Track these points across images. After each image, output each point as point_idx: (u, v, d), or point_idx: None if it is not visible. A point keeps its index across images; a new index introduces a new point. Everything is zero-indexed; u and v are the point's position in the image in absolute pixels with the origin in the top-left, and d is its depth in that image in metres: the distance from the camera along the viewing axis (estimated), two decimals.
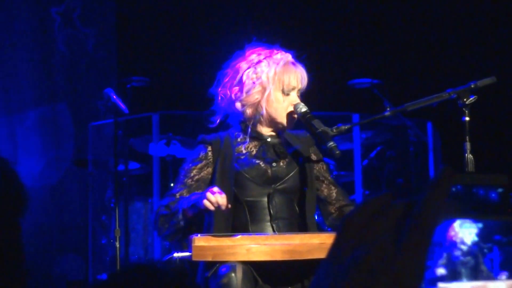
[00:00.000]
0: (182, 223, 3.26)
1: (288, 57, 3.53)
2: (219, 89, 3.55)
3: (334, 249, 0.83)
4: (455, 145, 4.12)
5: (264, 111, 3.46)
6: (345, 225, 0.83)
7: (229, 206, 3.18)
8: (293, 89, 3.48)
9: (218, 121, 3.58)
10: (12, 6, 7.18)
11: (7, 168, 1.06)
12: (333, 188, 3.60)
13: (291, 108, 3.47)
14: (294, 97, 3.48)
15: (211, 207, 3.09)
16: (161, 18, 7.58)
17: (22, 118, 7.10)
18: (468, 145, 3.50)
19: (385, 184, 6.77)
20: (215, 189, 3.13)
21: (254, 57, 3.51)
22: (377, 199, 0.84)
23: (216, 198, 3.08)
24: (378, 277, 0.79)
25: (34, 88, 7.19)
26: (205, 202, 3.09)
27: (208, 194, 3.09)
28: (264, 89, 3.46)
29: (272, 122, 3.51)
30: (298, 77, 3.50)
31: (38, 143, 7.08)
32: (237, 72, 3.51)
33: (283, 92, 3.47)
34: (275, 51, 3.53)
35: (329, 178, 3.62)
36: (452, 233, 0.93)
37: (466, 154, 3.49)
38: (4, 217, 1.02)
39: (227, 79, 3.54)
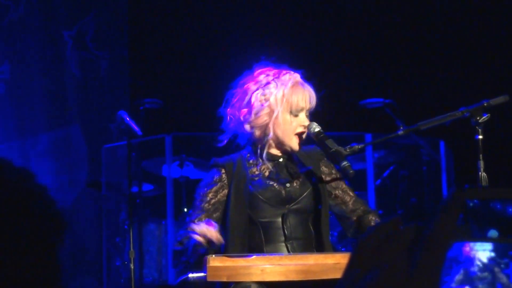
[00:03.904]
0: (191, 260, 3.32)
1: (297, 77, 3.51)
2: (228, 109, 3.55)
3: (348, 271, 0.84)
4: (468, 164, 4.11)
5: (272, 133, 3.46)
6: (358, 248, 0.84)
7: (221, 240, 3.21)
8: (302, 110, 3.47)
9: (226, 141, 3.58)
10: (24, 29, 7.21)
11: (44, 194, 1.08)
12: (347, 199, 3.58)
13: (299, 129, 3.47)
14: (303, 118, 3.48)
15: (202, 240, 3.17)
16: (173, 40, 7.60)
17: (35, 141, 7.12)
18: (481, 164, 3.49)
19: (399, 203, 6.75)
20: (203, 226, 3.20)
21: (262, 78, 3.50)
22: (388, 224, 0.85)
23: (211, 233, 3.16)
24: None
25: (47, 111, 7.21)
26: (197, 237, 3.18)
27: (197, 237, 3.17)
28: (272, 111, 3.45)
29: (280, 144, 3.50)
30: (306, 97, 3.48)
31: (51, 166, 7.09)
32: (245, 93, 3.51)
33: (291, 113, 3.46)
34: (284, 72, 3.51)
35: (344, 186, 3.59)
36: (467, 248, 0.93)
37: (480, 173, 3.49)
38: (41, 244, 1.04)
39: (235, 100, 3.53)
